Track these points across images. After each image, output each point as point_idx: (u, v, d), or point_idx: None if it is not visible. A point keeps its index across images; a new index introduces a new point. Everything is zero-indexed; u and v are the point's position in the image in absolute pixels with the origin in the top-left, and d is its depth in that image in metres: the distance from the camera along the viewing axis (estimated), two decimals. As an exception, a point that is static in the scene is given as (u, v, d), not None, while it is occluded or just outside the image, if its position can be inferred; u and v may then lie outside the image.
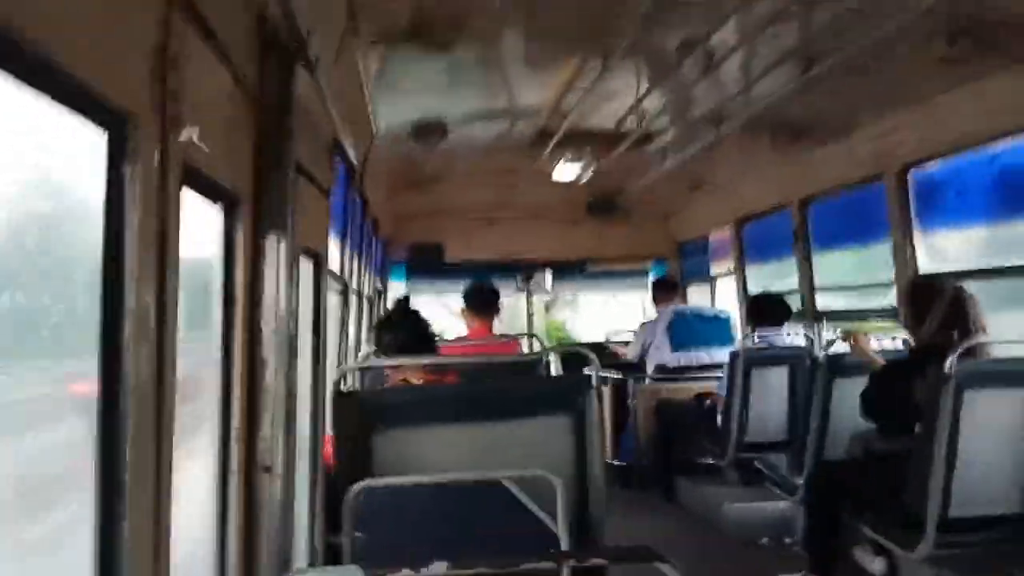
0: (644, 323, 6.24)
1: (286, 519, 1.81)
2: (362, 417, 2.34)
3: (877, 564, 3.70)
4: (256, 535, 1.72)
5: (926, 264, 4.00)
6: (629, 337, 6.53)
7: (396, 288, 7.65)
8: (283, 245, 1.83)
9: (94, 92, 0.99)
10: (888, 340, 4.16)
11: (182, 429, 1.28)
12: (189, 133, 1.25)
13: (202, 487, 1.63)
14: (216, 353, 1.66)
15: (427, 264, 7.58)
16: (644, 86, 3.70)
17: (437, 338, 3.47)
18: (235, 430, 1.68)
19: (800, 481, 3.92)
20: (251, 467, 1.74)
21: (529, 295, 8.06)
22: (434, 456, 2.31)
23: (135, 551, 1.08)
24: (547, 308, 9.76)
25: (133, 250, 1.09)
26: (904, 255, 4.04)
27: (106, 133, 1.06)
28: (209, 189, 1.53)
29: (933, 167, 3.89)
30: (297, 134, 1.88)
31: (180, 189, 1.24)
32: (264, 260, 1.79)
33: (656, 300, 6.15)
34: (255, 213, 1.76)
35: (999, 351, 3.02)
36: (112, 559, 1.06)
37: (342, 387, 2.46)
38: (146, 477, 1.13)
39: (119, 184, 1.08)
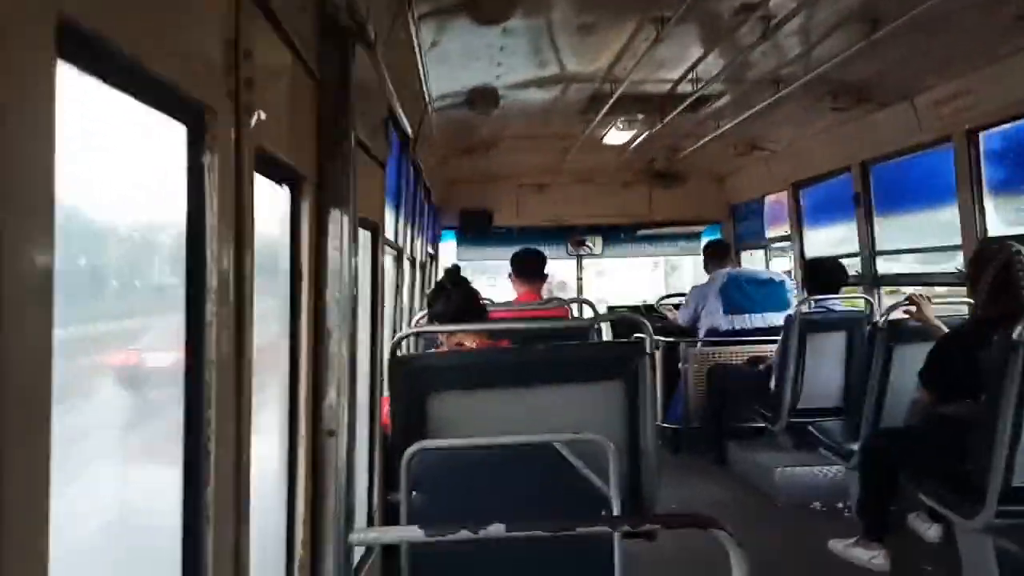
0: (696, 287, 6.18)
1: (349, 480, 1.90)
2: (417, 381, 2.39)
3: (932, 531, 3.67)
4: (322, 496, 1.81)
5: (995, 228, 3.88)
6: (680, 301, 6.50)
7: (447, 252, 7.74)
8: (344, 218, 1.88)
9: (175, 89, 1.04)
10: (951, 306, 4.07)
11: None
12: (260, 119, 1.31)
13: (271, 452, 1.73)
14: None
15: (477, 229, 7.63)
16: (699, 51, 3.62)
17: (487, 302, 3.51)
18: (303, 397, 1.76)
19: (854, 447, 3.89)
20: (317, 432, 1.82)
21: (579, 260, 8.05)
22: (488, 420, 2.36)
23: (218, 511, 1.17)
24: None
25: (213, 233, 1.16)
26: (972, 219, 3.92)
27: (185, 126, 1.13)
28: (278, 171, 1.59)
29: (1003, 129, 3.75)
30: (356, 111, 1.92)
31: (253, 172, 1.31)
32: (327, 234, 1.85)
33: (708, 264, 6.07)
34: (317, 190, 1.81)
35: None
36: (197, 519, 1.15)
37: (398, 352, 2.52)
38: (227, 442, 1.21)
39: (198, 172, 1.14)
